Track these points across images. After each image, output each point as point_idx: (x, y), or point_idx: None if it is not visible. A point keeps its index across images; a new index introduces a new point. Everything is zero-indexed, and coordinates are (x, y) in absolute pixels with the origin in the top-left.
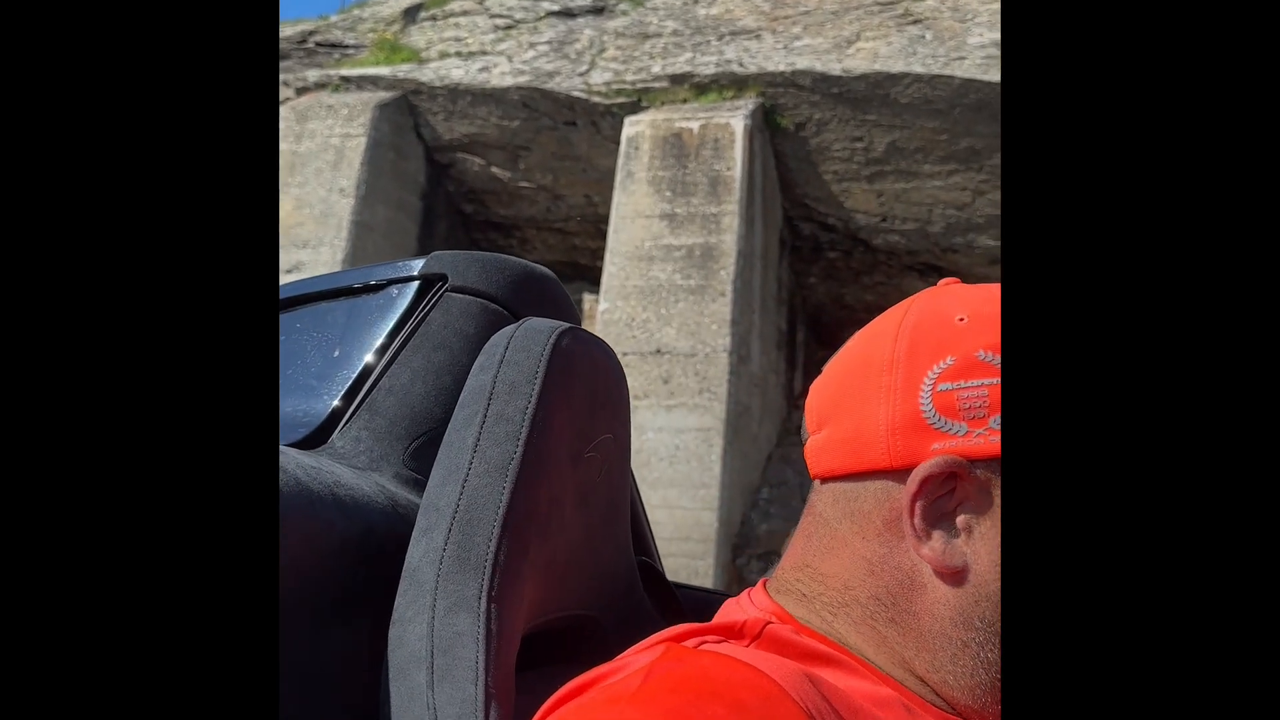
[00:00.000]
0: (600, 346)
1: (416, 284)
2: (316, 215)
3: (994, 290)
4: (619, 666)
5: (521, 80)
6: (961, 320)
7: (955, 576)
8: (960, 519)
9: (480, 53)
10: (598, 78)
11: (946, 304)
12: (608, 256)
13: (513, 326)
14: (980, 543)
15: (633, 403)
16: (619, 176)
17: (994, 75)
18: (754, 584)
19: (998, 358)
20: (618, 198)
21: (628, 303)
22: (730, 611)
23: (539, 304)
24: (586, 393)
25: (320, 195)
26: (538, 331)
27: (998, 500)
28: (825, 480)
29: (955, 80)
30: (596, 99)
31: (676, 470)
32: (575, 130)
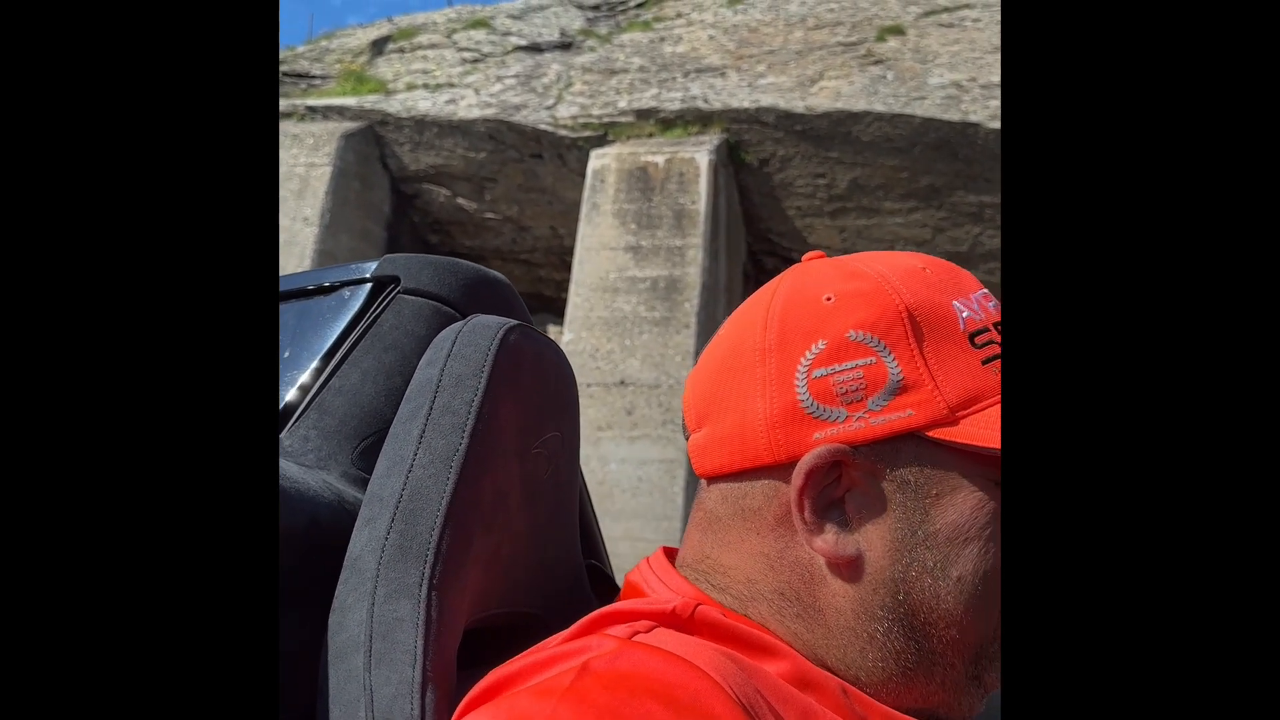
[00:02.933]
0: (549, 345)
1: (368, 286)
2: (280, 243)
3: (856, 263)
4: (549, 658)
5: (488, 112)
6: (829, 300)
7: (850, 567)
8: (849, 507)
9: (447, 85)
10: (564, 111)
11: (812, 283)
12: (572, 288)
13: (461, 322)
14: (872, 529)
15: (595, 434)
16: (584, 209)
17: (954, 115)
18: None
19: (868, 335)
20: (583, 230)
21: (592, 334)
22: (647, 588)
23: (492, 307)
24: (534, 389)
25: (284, 224)
26: (485, 327)
27: (883, 485)
28: (711, 480)
29: (916, 119)
30: (563, 132)
31: (639, 502)
32: (541, 163)
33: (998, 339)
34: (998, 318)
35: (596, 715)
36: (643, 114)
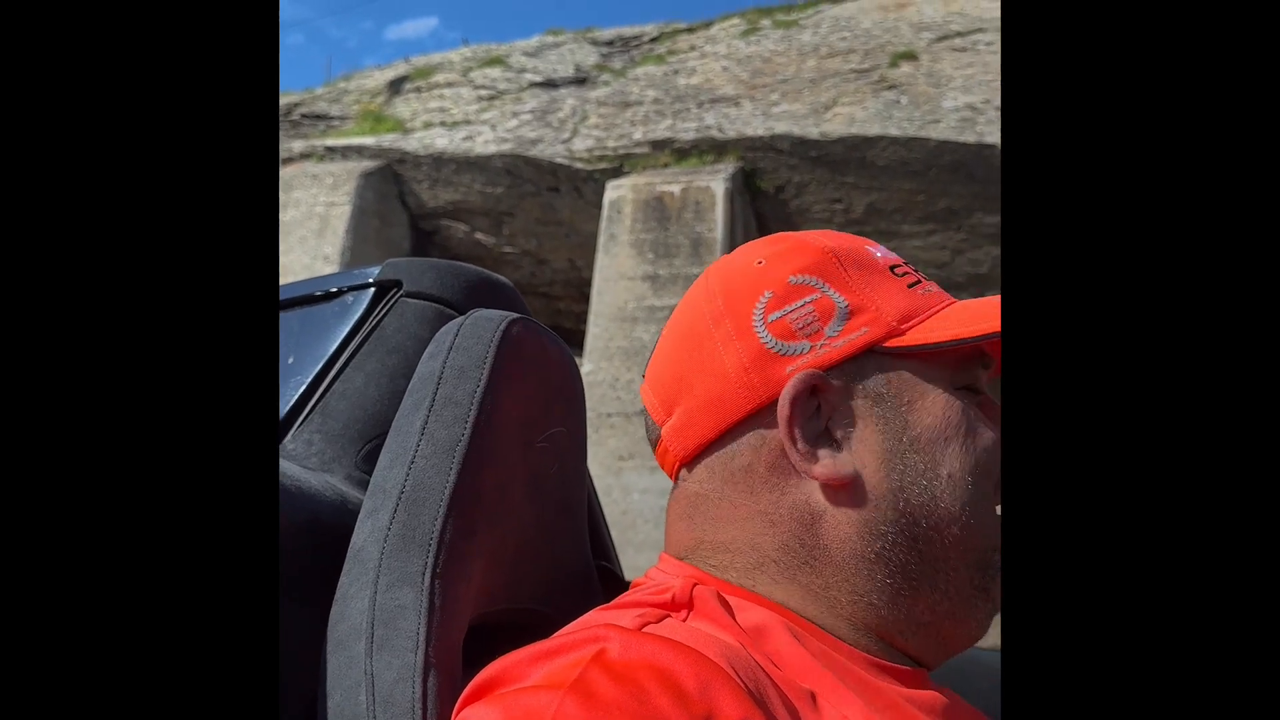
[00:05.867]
0: (552, 339)
1: (371, 290)
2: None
3: (775, 237)
4: (554, 649)
5: (505, 148)
6: (760, 263)
7: (850, 488)
8: (836, 431)
9: (464, 122)
10: (580, 144)
11: (739, 259)
12: (591, 318)
13: (463, 316)
14: (861, 446)
15: (618, 465)
16: (602, 240)
17: (969, 136)
18: None
19: (807, 276)
20: (601, 260)
21: (611, 364)
22: (646, 578)
23: (494, 308)
24: (538, 381)
25: (304, 263)
26: (488, 320)
27: (859, 402)
28: (693, 460)
29: (931, 142)
30: (579, 165)
31: (661, 533)
32: (558, 196)
33: (911, 270)
34: (900, 261)
35: (604, 710)
36: (658, 144)
